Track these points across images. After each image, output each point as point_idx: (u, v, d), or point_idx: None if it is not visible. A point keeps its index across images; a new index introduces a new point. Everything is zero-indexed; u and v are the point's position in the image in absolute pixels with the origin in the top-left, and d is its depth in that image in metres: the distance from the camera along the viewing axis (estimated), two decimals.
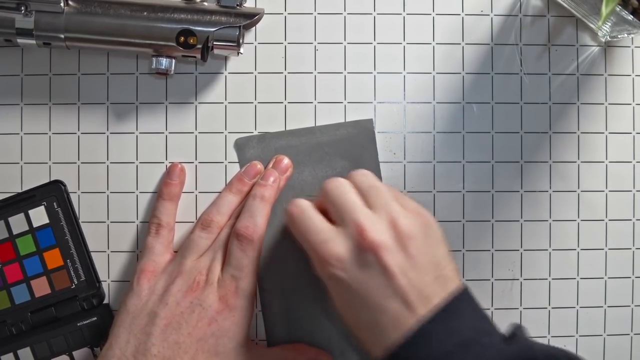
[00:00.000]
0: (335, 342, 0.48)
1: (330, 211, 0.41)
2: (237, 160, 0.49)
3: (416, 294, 0.38)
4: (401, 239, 0.39)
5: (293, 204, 0.42)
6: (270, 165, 0.48)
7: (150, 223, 0.47)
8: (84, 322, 0.47)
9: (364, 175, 0.43)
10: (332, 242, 0.39)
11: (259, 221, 0.45)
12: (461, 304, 0.38)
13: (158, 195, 0.48)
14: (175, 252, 0.47)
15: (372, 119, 0.49)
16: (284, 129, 0.49)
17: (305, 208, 0.42)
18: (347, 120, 0.49)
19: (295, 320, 0.48)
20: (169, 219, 0.47)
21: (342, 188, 0.41)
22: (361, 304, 0.38)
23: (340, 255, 0.39)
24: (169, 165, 0.49)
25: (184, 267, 0.44)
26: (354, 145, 0.49)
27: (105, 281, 0.49)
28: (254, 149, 0.49)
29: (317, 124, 0.49)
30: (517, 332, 0.39)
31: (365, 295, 0.38)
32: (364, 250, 0.38)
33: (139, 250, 0.48)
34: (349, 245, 0.39)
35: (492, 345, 0.37)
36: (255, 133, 0.49)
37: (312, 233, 0.40)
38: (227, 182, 0.48)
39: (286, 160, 0.48)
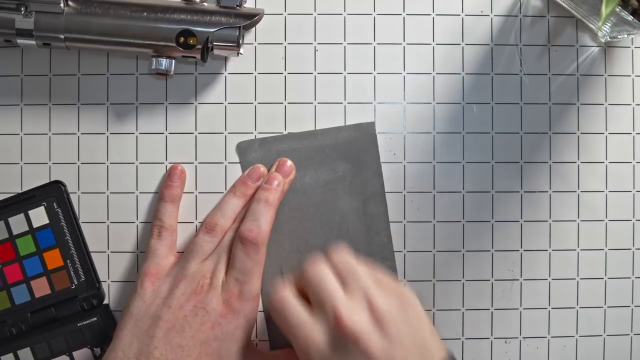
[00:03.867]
0: None
1: (309, 295, 0.41)
2: (237, 161, 0.49)
3: None
4: (379, 322, 0.38)
5: (274, 295, 0.41)
6: (274, 168, 0.48)
7: (152, 225, 0.47)
8: (84, 323, 0.47)
9: (343, 258, 0.42)
10: (311, 332, 0.39)
11: (263, 225, 0.45)
12: None
13: (159, 197, 0.48)
14: (179, 253, 0.47)
15: (374, 122, 0.49)
16: (284, 130, 0.49)
17: (284, 299, 0.41)
18: (347, 121, 0.49)
19: None
20: (171, 220, 0.47)
21: (320, 274, 0.41)
22: None
23: (320, 346, 0.38)
24: (169, 166, 0.49)
25: (187, 270, 0.44)
26: (356, 149, 0.49)
27: (105, 282, 0.49)
28: (256, 152, 0.48)
29: (317, 125, 0.49)
30: None
31: None
32: (343, 338, 0.38)
33: (139, 251, 0.48)
34: (327, 334, 0.38)
35: None
36: (256, 133, 0.49)
37: (292, 326, 0.40)
38: (228, 183, 0.48)
39: (289, 163, 0.48)
